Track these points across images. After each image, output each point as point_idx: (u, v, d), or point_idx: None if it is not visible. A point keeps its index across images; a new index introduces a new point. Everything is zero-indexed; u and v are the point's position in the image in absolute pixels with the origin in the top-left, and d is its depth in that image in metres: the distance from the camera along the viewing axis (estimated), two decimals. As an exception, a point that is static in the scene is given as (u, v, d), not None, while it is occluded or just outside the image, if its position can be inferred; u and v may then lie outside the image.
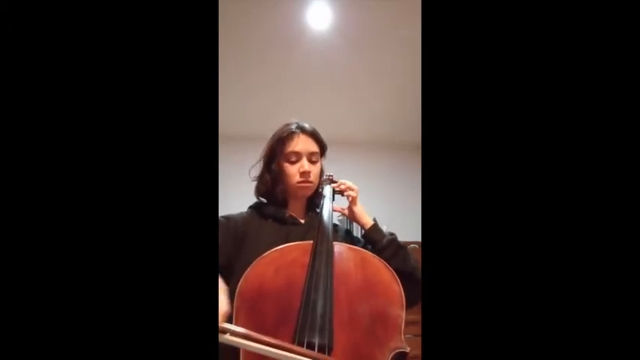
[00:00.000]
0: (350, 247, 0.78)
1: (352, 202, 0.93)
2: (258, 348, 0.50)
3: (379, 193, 3.20)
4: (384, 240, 0.85)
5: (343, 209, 0.95)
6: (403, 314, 0.67)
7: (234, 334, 0.50)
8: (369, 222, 0.90)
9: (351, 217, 0.93)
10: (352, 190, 0.93)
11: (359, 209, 0.93)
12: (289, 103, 2.76)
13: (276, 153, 0.91)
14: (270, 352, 0.51)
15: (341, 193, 0.96)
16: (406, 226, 2.97)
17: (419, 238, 2.68)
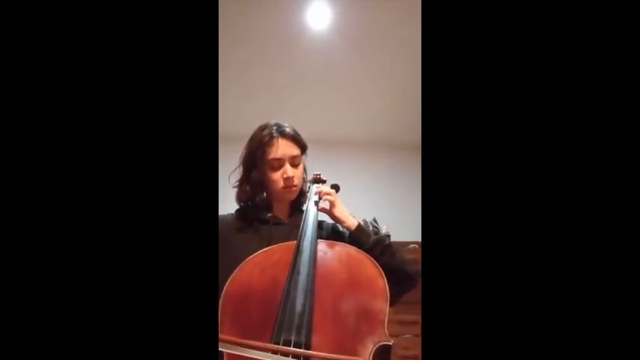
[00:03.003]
0: (334, 244, 0.79)
1: (332, 206, 0.90)
2: (240, 349, 0.52)
3: (379, 193, 3.19)
4: (370, 241, 0.85)
5: (327, 209, 0.92)
6: (387, 308, 0.67)
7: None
8: (353, 224, 0.89)
9: (335, 220, 0.92)
10: (329, 194, 0.91)
11: (340, 212, 0.90)
12: (289, 103, 2.76)
13: (257, 160, 0.90)
14: (252, 352, 0.52)
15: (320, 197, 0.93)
16: (406, 226, 2.97)
17: (419, 238, 2.68)
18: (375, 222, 3.06)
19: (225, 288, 0.67)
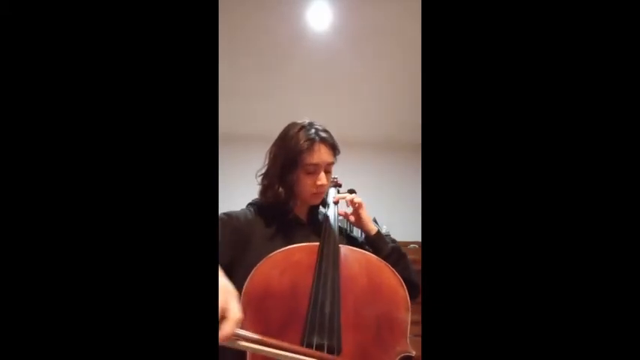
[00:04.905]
0: (355, 250, 0.79)
1: (359, 207, 0.91)
2: (272, 352, 0.51)
3: (379, 193, 3.19)
4: (388, 248, 0.85)
5: (348, 214, 0.94)
6: (408, 318, 0.67)
7: (248, 340, 0.51)
8: (373, 229, 0.90)
9: (357, 223, 0.92)
10: (357, 200, 0.92)
11: (365, 215, 0.92)
12: (290, 103, 2.76)
13: (296, 164, 0.86)
14: (284, 355, 0.51)
15: (347, 204, 0.94)
16: (406, 226, 2.97)
17: (419, 238, 2.68)
18: (375, 222, 3.05)
19: (245, 286, 0.66)
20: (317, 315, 0.61)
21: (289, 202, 0.89)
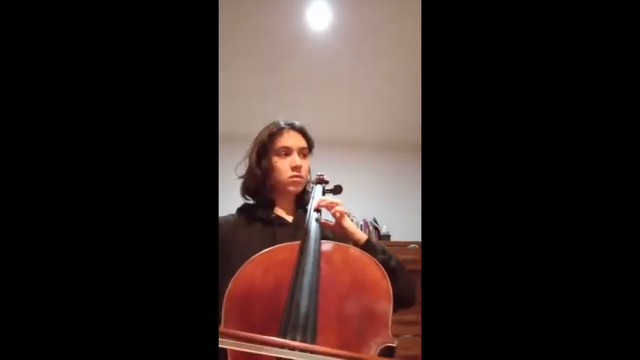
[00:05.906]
0: (338, 245, 0.78)
1: (340, 217, 0.84)
2: (247, 346, 0.51)
3: (379, 193, 3.20)
4: (378, 259, 0.77)
5: (330, 225, 0.86)
6: (390, 309, 0.67)
7: (222, 335, 0.51)
8: (362, 237, 0.84)
9: (342, 233, 0.84)
10: (337, 204, 0.84)
11: (348, 224, 0.85)
12: (289, 103, 2.76)
13: (267, 148, 0.92)
14: (260, 348, 0.51)
15: (327, 209, 0.87)
16: (406, 226, 2.97)
17: (419, 238, 2.68)
18: (375, 222, 3.06)
19: (228, 287, 0.67)
20: (292, 314, 0.60)
21: (267, 186, 0.91)
